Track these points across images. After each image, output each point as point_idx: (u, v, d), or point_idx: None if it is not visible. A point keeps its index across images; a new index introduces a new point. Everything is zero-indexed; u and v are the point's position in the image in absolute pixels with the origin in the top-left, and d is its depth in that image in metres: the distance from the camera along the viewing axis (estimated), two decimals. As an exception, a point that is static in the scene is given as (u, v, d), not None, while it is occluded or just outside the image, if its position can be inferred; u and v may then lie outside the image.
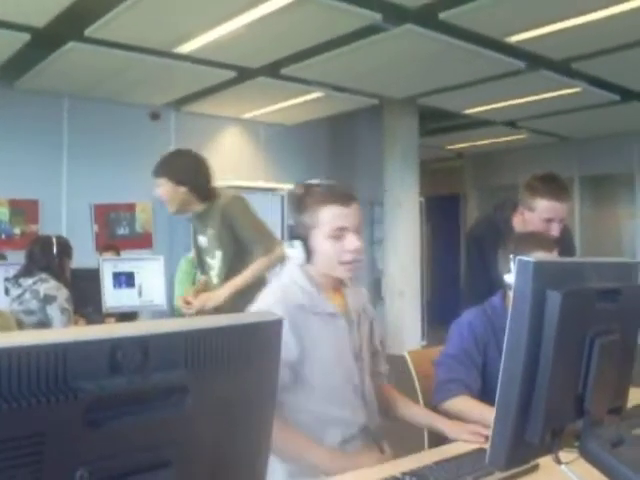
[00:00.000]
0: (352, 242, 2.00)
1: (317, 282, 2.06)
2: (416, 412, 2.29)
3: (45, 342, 0.71)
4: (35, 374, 0.69)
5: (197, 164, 3.50)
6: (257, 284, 3.01)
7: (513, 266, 2.49)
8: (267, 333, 0.95)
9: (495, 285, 2.53)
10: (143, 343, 0.78)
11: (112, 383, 0.75)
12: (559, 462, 1.33)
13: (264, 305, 2.04)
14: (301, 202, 2.04)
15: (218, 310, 3.23)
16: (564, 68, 7.45)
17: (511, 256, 2.46)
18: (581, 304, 1.34)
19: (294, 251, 2.03)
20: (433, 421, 2.22)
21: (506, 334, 1.26)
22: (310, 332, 1.98)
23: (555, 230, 2.68)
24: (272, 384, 0.98)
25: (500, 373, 1.26)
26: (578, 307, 1.32)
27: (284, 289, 2.05)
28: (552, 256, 2.46)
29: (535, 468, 1.66)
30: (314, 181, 2.12)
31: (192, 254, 4.40)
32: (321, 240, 2.00)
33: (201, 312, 3.24)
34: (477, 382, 2.41)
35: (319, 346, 2.00)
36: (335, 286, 2.13)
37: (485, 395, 2.38)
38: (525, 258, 1.28)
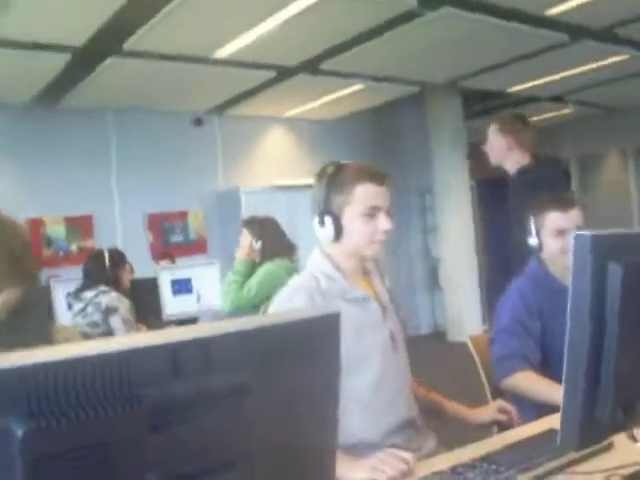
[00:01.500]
0: (385, 222, 1.96)
1: (342, 268, 2.01)
2: (432, 398, 2.23)
3: (107, 351, 0.72)
4: (100, 384, 0.70)
5: None
6: None
7: (533, 228, 2.48)
8: (325, 327, 0.94)
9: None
10: (204, 345, 0.78)
11: (174, 387, 0.75)
12: (634, 439, 1.30)
13: (284, 298, 1.98)
14: (335, 179, 2.00)
15: None
16: (609, 36, 7.26)
17: (531, 218, 2.45)
18: (644, 275, 1.30)
19: (324, 230, 1.99)
20: (451, 409, 2.18)
21: (568, 309, 1.23)
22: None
23: None
24: (334, 377, 0.97)
25: (565, 350, 1.24)
26: (641, 278, 1.29)
27: (305, 277, 2.01)
28: (569, 215, 2.41)
29: (609, 447, 1.60)
30: (346, 161, 2.07)
31: None
32: (355, 217, 1.96)
33: None
34: (536, 353, 2.37)
35: (354, 333, 1.91)
36: (360, 272, 2.08)
37: (546, 365, 2.33)
38: (583, 232, 1.25)
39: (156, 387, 0.74)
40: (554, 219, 2.44)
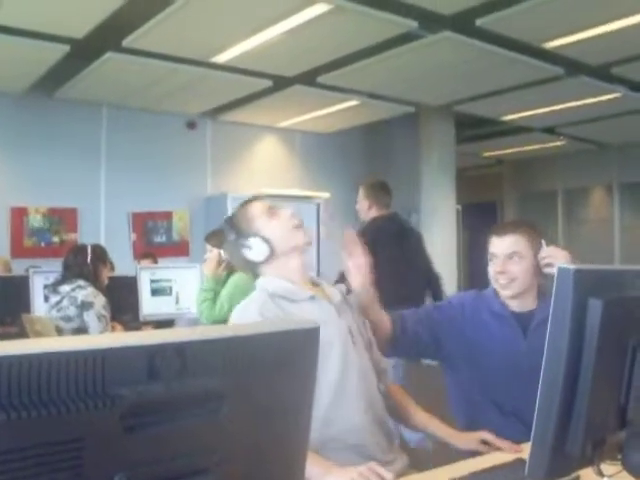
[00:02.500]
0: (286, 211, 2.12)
1: (289, 278, 2.07)
2: (419, 419, 2.22)
3: (83, 348, 0.72)
4: (74, 380, 0.70)
5: None
6: None
7: None
8: (304, 340, 0.95)
9: None
10: (181, 349, 0.78)
11: (150, 389, 0.75)
12: (601, 475, 1.30)
13: (237, 316, 2.03)
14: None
15: None
16: (604, 73, 7.35)
17: None
18: (623, 312, 1.32)
19: (254, 250, 2.07)
20: (437, 430, 2.18)
21: (546, 342, 1.24)
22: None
23: None
24: (309, 391, 0.97)
25: (540, 382, 1.24)
26: (620, 315, 1.30)
27: (255, 294, 2.07)
28: (502, 241, 2.41)
29: (576, 480, 1.62)
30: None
31: None
32: (273, 227, 2.08)
33: None
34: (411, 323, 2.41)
35: None
36: (308, 281, 2.13)
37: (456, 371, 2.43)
38: (565, 266, 1.26)
39: (131, 388, 0.73)
40: (490, 243, 2.45)
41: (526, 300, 2.41)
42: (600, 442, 1.29)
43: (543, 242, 2.38)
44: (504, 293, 2.39)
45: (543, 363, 1.24)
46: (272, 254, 2.06)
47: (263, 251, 2.06)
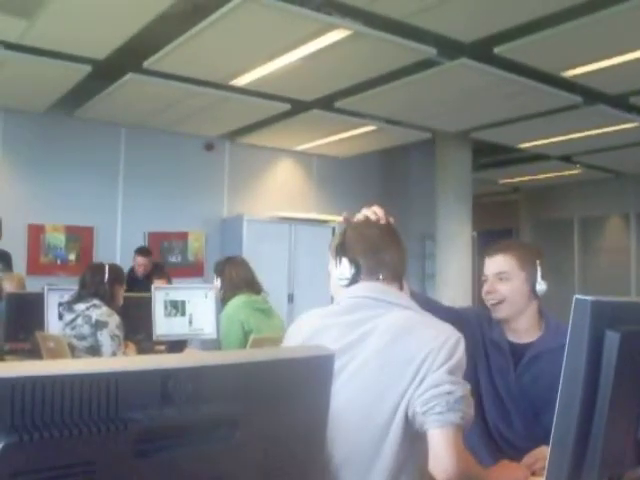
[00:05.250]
0: None
1: None
2: None
3: (97, 371, 0.71)
4: (87, 403, 0.70)
5: None
6: None
7: None
8: (318, 367, 0.94)
9: None
10: (194, 374, 0.78)
11: (162, 414, 0.75)
12: (617, 510, 1.28)
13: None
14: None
15: None
16: (621, 103, 7.35)
17: None
18: (641, 345, 1.30)
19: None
20: None
21: (562, 374, 1.23)
22: None
23: None
24: (322, 419, 0.97)
25: (555, 414, 1.22)
26: (637, 348, 1.28)
27: None
28: (492, 261, 2.39)
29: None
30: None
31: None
32: None
33: None
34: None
35: None
36: None
37: None
38: (583, 297, 1.25)
39: (144, 412, 0.73)
40: (484, 264, 2.44)
41: (522, 328, 2.37)
42: (617, 477, 1.27)
43: (538, 263, 2.36)
44: (495, 315, 2.38)
45: (559, 394, 1.23)
46: None
47: None
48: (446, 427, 1.59)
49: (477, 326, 2.43)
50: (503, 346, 2.36)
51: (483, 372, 2.36)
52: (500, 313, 2.36)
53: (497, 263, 2.37)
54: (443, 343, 1.68)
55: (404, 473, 1.67)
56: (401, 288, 1.93)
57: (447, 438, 1.59)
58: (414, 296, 2.05)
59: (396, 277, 1.93)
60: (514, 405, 2.29)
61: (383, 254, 1.92)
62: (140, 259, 7.36)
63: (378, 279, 1.89)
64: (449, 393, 1.59)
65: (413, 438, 1.66)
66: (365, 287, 1.88)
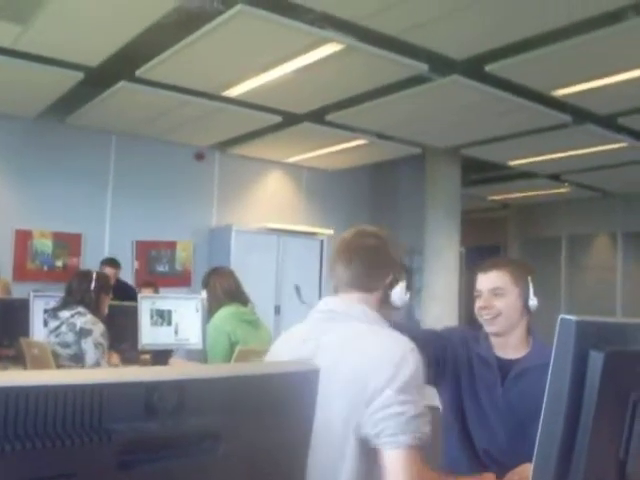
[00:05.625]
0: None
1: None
2: None
3: (82, 382, 0.71)
4: (70, 414, 0.70)
5: None
6: None
7: None
8: (303, 383, 0.94)
9: None
10: (180, 387, 0.77)
11: (146, 426, 0.74)
12: (598, 530, 1.28)
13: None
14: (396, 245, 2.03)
15: None
16: (610, 123, 7.40)
17: None
18: (624, 366, 1.31)
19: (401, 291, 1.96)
20: None
21: (546, 393, 1.23)
22: None
23: None
24: (306, 433, 0.97)
25: (539, 432, 1.23)
26: (621, 369, 1.29)
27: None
28: (487, 277, 2.41)
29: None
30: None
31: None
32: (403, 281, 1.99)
33: None
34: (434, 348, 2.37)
35: None
36: None
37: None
38: (568, 316, 1.25)
39: (128, 424, 0.73)
40: (476, 280, 2.45)
41: (512, 343, 2.40)
42: (598, 497, 1.27)
43: (529, 279, 2.39)
44: (489, 329, 2.40)
45: (542, 413, 1.23)
46: None
47: None
48: (399, 449, 1.56)
49: (461, 345, 2.44)
50: (491, 361, 2.38)
51: (467, 388, 2.38)
52: (495, 327, 2.38)
53: (492, 279, 2.39)
54: (389, 360, 1.63)
55: None
56: (381, 302, 1.91)
57: (400, 460, 1.56)
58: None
59: (356, 289, 1.89)
60: (500, 420, 2.30)
61: (335, 265, 1.93)
62: (109, 270, 6.84)
63: (336, 292, 1.91)
64: (400, 414, 1.56)
65: (373, 456, 1.62)
66: (322, 301, 1.91)
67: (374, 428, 1.58)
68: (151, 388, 0.75)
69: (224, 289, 4.47)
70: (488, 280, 2.40)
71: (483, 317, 2.39)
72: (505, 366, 2.37)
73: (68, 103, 7.21)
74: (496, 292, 2.37)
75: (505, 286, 2.37)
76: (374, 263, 1.92)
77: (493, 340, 2.43)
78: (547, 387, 1.23)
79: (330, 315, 1.84)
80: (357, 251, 1.92)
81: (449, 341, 2.45)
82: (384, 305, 1.93)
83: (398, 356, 1.64)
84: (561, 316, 1.25)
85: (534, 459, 1.23)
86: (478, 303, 2.42)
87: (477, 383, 2.38)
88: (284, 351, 1.88)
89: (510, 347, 2.40)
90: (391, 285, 1.93)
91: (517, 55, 5.46)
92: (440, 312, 9.33)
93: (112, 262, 7.24)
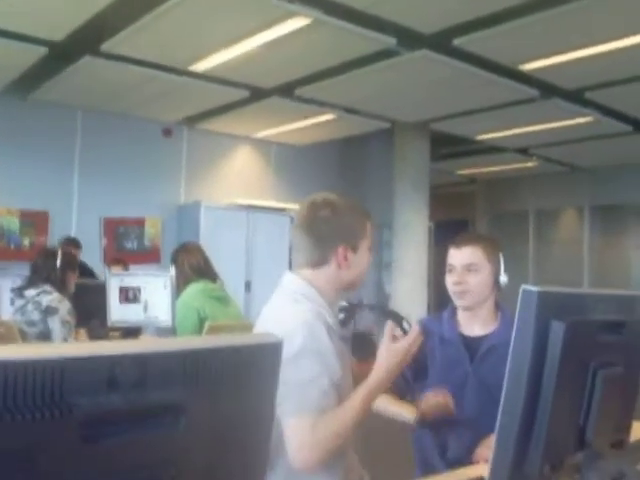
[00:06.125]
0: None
1: (329, 300, 1.94)
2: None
3: (43, 357, 0.71)
4: (31, 388, 0.69)
5: None
6: None
7: None
8: (266, 355, 0.95)
9: None
10: (141, 361, 0.77)
11: (109, 400, 0.74)
12: (559, 495, 1.32)
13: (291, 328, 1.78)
14: (353, 211, 1.98)
15: None
16: (577, 97, 7.47)
17: None
18: (585, 335, 1.33)
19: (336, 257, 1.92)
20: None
21: (508, 362, 1.25)
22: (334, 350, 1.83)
23: None
24: (270, 405, 0.97)
25: (501, 403, 1.25)
26: (582, 338, 1.31)
27: (309, 307, 1.87)
28: (461, 252, 2.42)
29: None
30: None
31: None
32: (366, 251, 1.97)
33: None
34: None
35: (341, 364, 1.84)
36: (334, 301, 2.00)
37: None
38: (530, 287, 1.27)
39: (90, 398, 0.73)
40: (449, 254, 2.47)
41: (480, 318, 2.43)
42: (559, 463, 1.30)
43: (501, 256, 2.43)
44: (459, 303, 2.42)
45: (505, 383, 1.25)
46: None
47: None
48: (286, 417, 1.66)
49: (428, 333, 2.44)
50: (455, 340, 2.40)
51: (434, 376, 2.39)
52: (465, 302, 2.40)
53: (466, 255, 2.41)
54: (280, 333, 1.63)
55: (278, 465, 1.72)
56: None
57: (290, 428, 1.66)
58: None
59: (304, 265, 1.98)
60: (470, 396, 2.31)
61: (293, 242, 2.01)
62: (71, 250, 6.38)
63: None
64: (284, 383, 1.57)
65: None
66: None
67: None
68: (113, 362, 0.75)
69: (192, 266, 4.45)
70: (462, 256, 2.41)
71: (455, 292, 2.41)
72: (473, 343, 2.39)
73: (31, 79, 7.08)
74: (470, 268, 2.39)
75: (479, 262, 2.39)
76: (321, 236, 1.92)
77: (461, 316, 2.45)
78: (509, 356, 1.25)
79: (277, 289, 1.96)
80: (304, 227, 1.94)
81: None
82: (344, 279, 1.94)
83: (289, 329, 1.71)
84: (523, 287, 1.27)
85: (497, 427, 1.25)
86: (450, 278, 2.43)
87: (441, 362, 2.40)
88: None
89: (478, 322, 2.42)
90: (346, 256, 1.91)
91: (485, 29, 5.47)
92: (410, 286, 9.40)
93: (72, 242, 6.89)
